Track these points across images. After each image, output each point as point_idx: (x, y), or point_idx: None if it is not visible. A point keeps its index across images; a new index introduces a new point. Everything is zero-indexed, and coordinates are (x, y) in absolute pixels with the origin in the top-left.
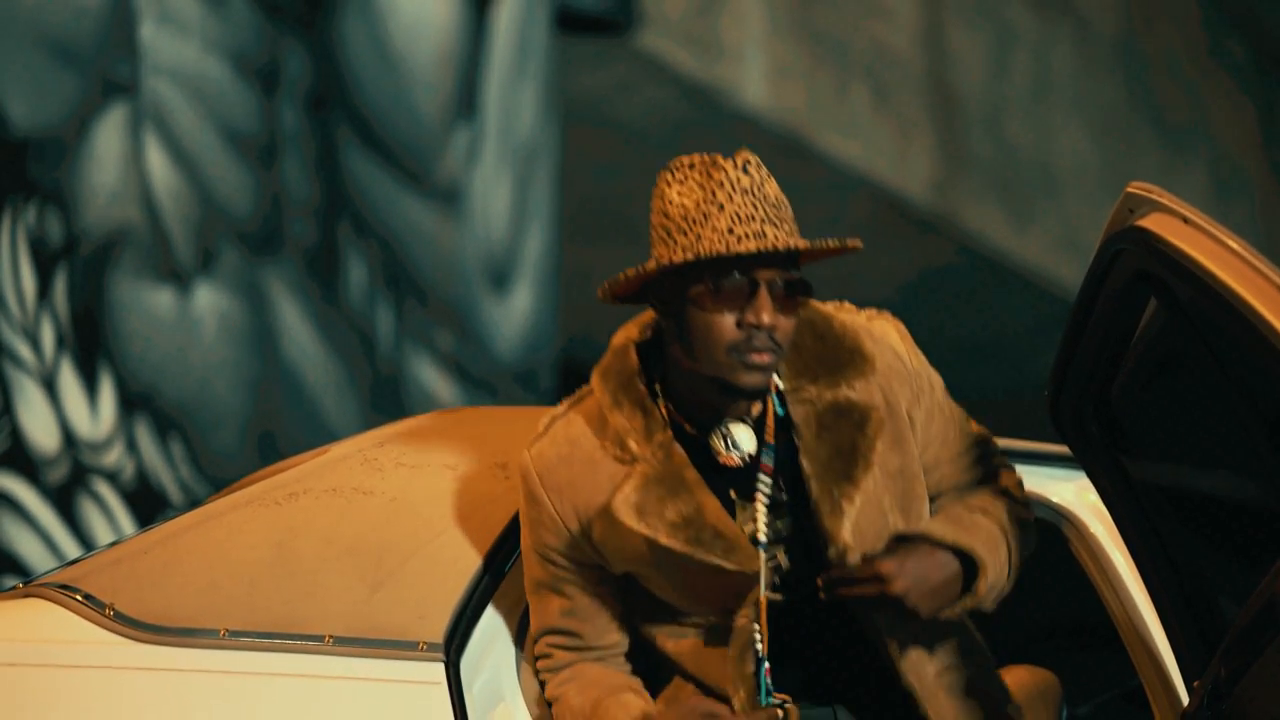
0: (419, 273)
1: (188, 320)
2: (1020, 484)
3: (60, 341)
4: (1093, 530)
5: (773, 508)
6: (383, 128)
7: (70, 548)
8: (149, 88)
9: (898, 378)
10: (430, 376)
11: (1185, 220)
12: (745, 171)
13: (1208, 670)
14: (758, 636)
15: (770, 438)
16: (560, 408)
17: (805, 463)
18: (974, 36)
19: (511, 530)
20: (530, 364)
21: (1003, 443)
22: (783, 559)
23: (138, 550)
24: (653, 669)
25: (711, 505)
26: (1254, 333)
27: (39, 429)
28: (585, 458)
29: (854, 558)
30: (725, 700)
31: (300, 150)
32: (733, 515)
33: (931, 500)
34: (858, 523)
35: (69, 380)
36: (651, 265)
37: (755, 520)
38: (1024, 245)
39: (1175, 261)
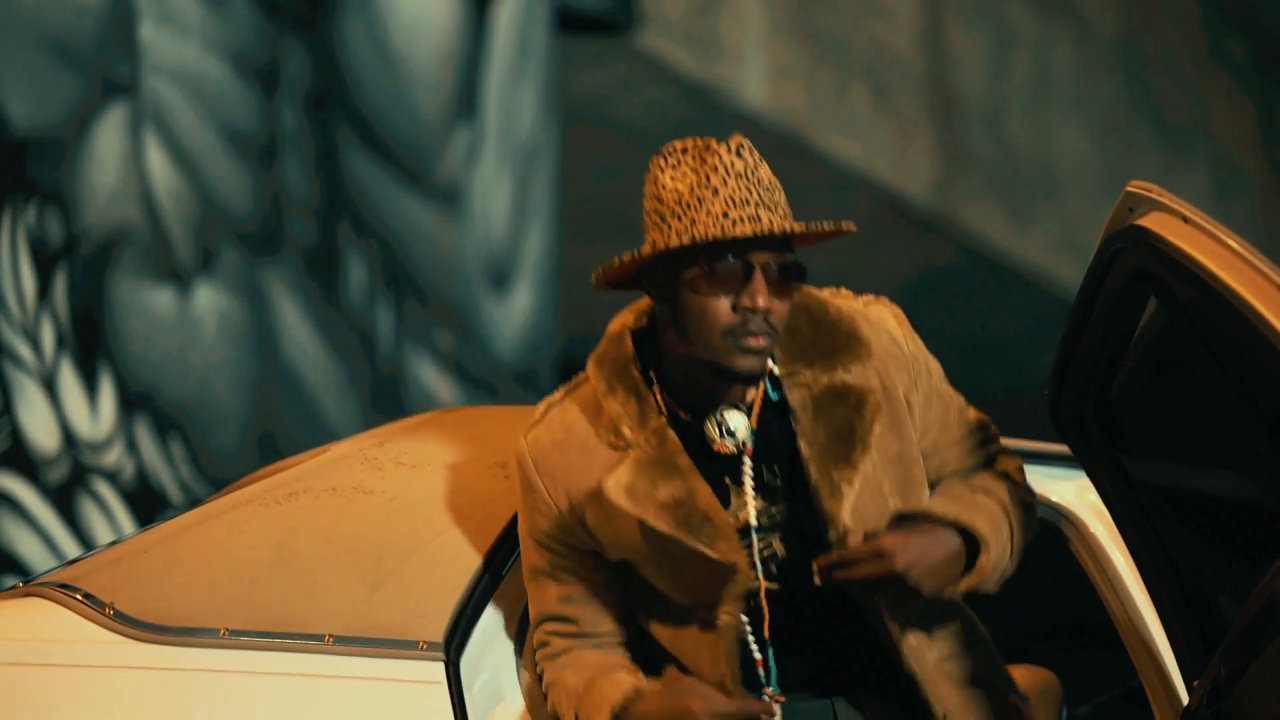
0: (419, 273)
1: (188, 320)
2: (1021, 468)
3: (60, 341)
4: (1093, 530)
5: (767, 494)
6: (383, 128)
7: (70, 548)
8: (149, 88)
9: (894, 362)
10: (430, 376)
11: (1185, 219)
12: (739, 155)
13: (1208, 670)
14: (747, 631)
15: (754, 423)
16: (557, 395)
17: (803, 446)
18: (974, 36)
19: (511, 530)
20: (530, 364)
21: (1003, 442)
22: (778, 547)
23: (138, 550)
24: (650, 661)
25: (703, 491)
26: (1254, 332)
27: (39, 429)
28: (580, 444)
29: (854, 541)
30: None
31: (300, 150)
32: (727, 502)
33: (931, 487)
34: (857, 506)
35: (69, 380)
36: (646, 250)
37: (747, 507)
38: (1024, 245)
39: (1175, 261)
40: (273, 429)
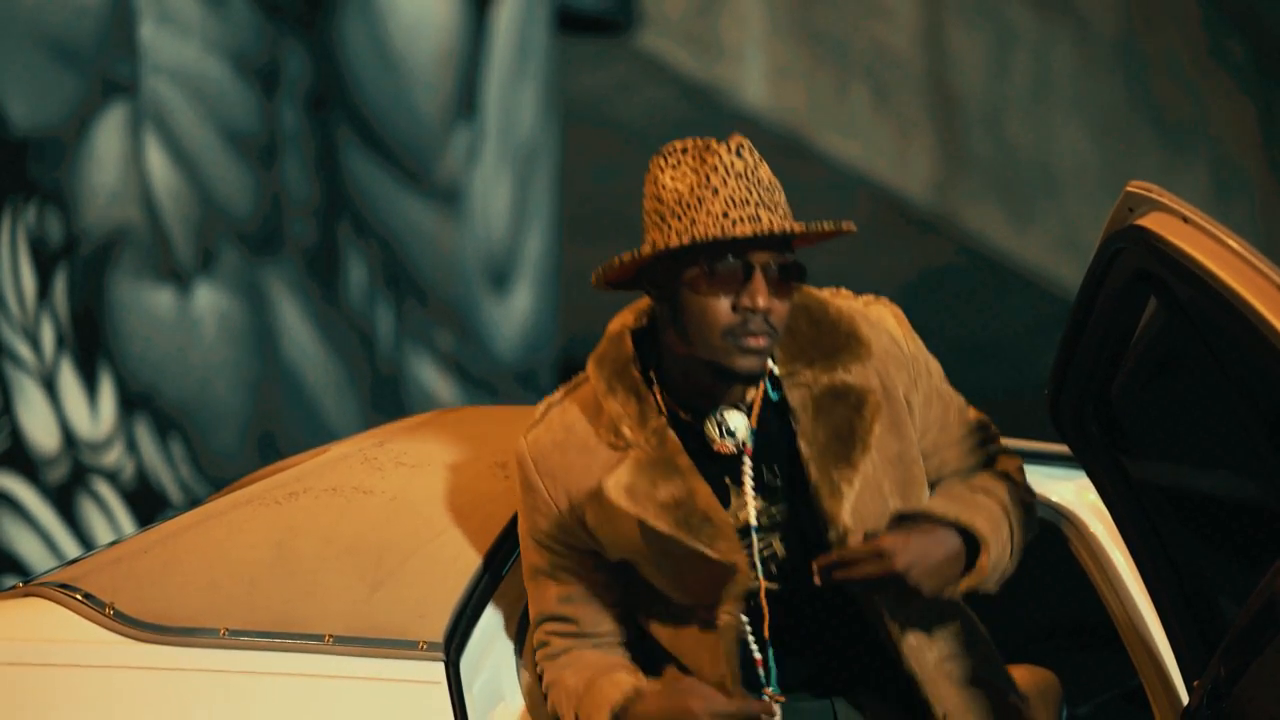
0: (419, 273)
1: (188, 320)
2: (1021, 469)
3: (60, 341)
4: (1093, 530)
5: (767, 494)
6: (383, 128)
7: (70, 548)
8: (149, 88)
9: (894, 362)
10: (430, 376)
11: (1185, 219)
12: (739, 155)
13: (1208, 670)
14: (747, 631)
15: (754, 422)
16: (557, 395)
17: (803, 445)
18: (974, 36)
19: (511, 530)
20: (530, 364)
21: (1002, 442)
22: (778, 547)
23: (138, 550)
24: (650, 661)
25: (703, 491)
26: (1254, 332)
27: (39, 429)
28: (580, 444)
29: (854, 541)
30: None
31: (300, 150)
32: (727, 502)
33: (931, 487)
34: (857, 506)
35: (69, 380)
36: (646, 250)
37: (747, 507)
38: (1024, 245)
39: (1175, 261)
40: (273, 429)
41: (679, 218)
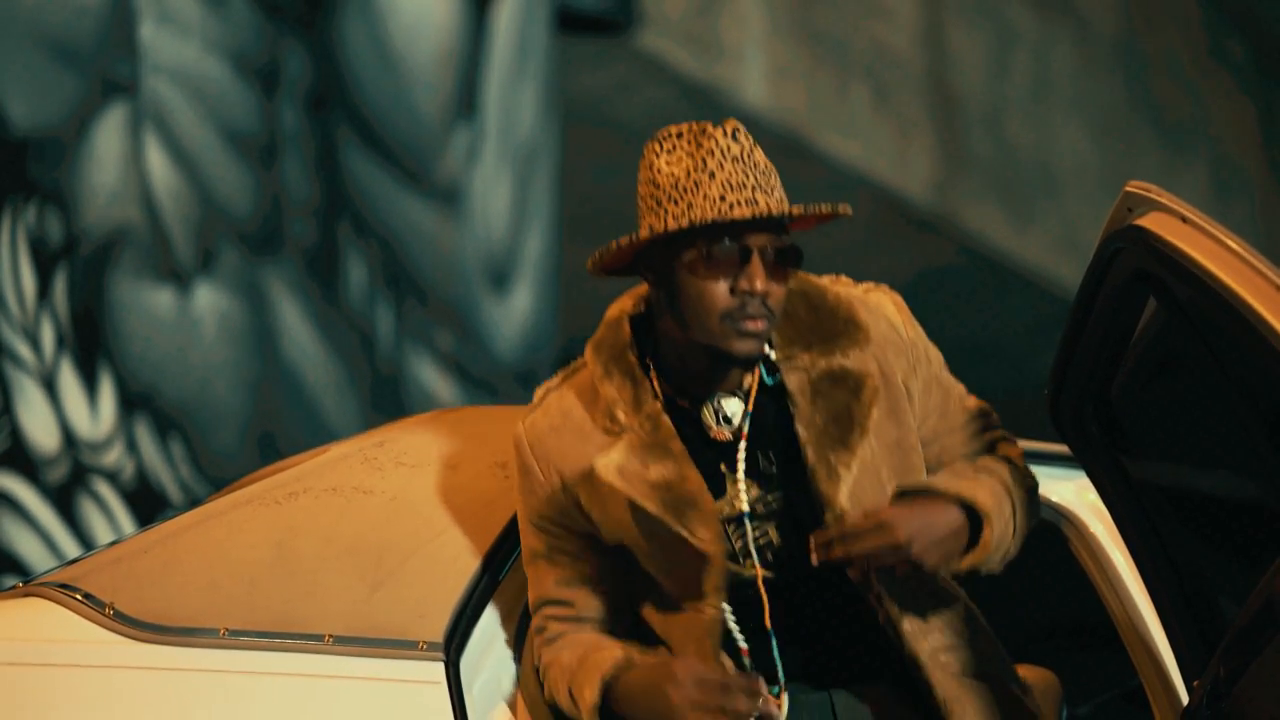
0: (419, 273)
1: (188, 320)
2: (1022, 455)
3: (60, 341)
4: (1093, 530)
5: (763, 481)
6: (383, 128)
7: (70, 548)
8: (149, 88)
9: (893, 348)
10: (430, 376)
11: (1184, 219)
12: (734, 139)
13: (1207, 670)
14: (732, 622)
15: (751, 407)
16: (555, 380)
17: (800, 429)
18: (974, 36)
19: (511, 530)
20: (530, 364)
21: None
22: (774, 535)
23: (138, 550)
24: (649, 650)
25: (693, 477)
26: (1253, 332)
27: (39, 429)
28: (575, 428)
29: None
30: None
31: (300, 150)
32: (722, 490)
33: (930, 475)
34: (854, 490)
35: (69, 380)
36: (644, 234)
37: (742, 494)
38: (1024, 245)
39: (1174, 261)
40: (273, 429)
41: (675, 202)
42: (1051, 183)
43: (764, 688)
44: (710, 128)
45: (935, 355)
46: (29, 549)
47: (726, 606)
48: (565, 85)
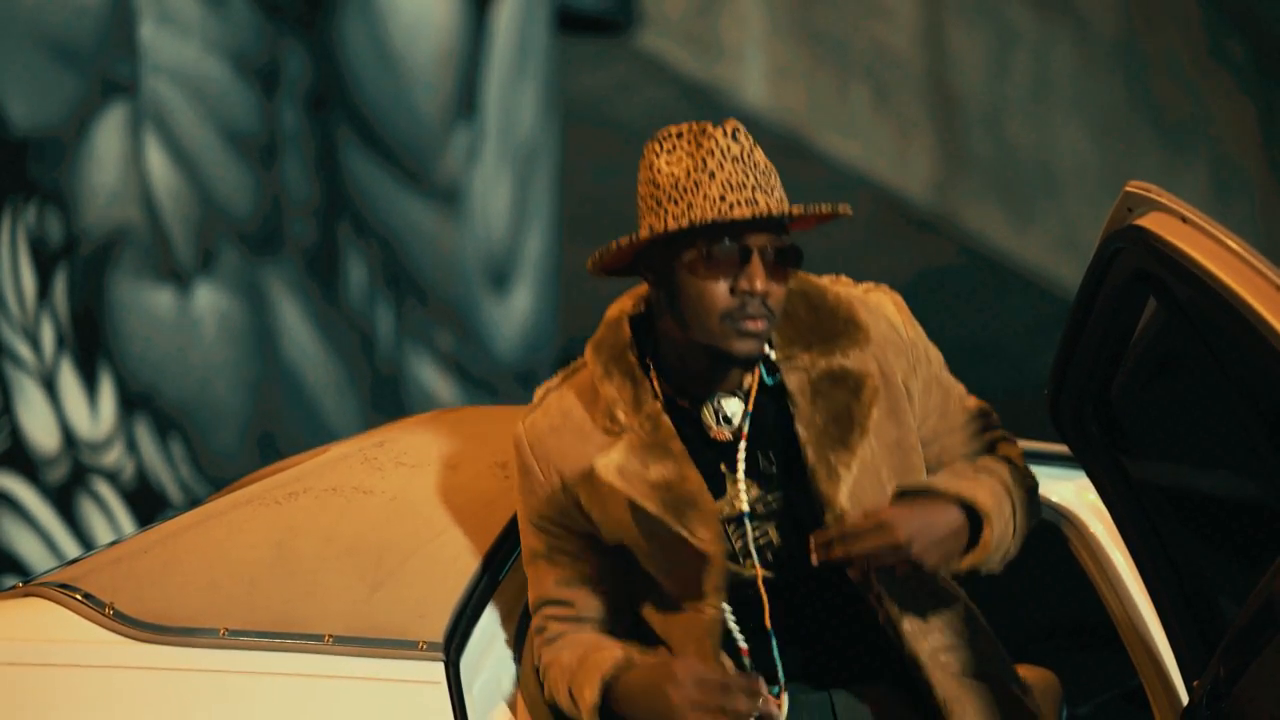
0: (419, 273)
1: (188, 320)
2: (1022, 455)
3: (60, 341)
4: (1093, 530)
5: (763, 481)
6: (383, 128)
7: (70, 548)
8: (149, 88)
9: (893, 348)
10: (430, 376)
11: (1184, 219)
12: (734, 139)
13: (1207, 670)
14: (732, 623)
15: (751, 406)
16: (555, 380)
17: (800, 429)
18: (974, 36)
19: (511, 530)
20: (530, 364)
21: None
22: (774, 535)
23: (138, 550)
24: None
25: (693, 477)
26: (1253, 332)
27: (39, 429)
28: (575, 428)
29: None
30: None
31: (300, 150)
32: (722, 490)
33: (930, 475)
34: (854, 490)
35: (69, 380)
36: (644, 234)
37: (742, 494)
38: (1024, 245)
39: (1174, 261)
40: (273, 429)
41: (675, 202)
42: (1051, 183)
43: (764, 688)
44: (710, 128)
45: (935, 355)
46: (29, 549)
47: (726, 606)
48: (565, 85)
